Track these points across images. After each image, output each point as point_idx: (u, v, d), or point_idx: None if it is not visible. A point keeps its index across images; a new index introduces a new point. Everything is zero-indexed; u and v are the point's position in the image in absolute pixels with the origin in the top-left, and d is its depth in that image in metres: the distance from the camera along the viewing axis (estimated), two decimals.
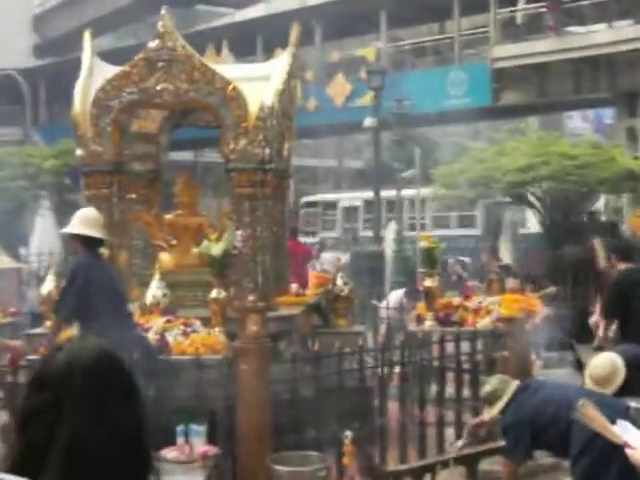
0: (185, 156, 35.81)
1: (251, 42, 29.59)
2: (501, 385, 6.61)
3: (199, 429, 6.49)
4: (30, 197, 24.22)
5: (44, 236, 23.75)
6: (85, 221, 7.51)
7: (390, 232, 21.34)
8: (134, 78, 8.81)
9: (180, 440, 6.46)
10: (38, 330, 9.63)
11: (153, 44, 8.80)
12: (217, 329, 8.11)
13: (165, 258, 9.41)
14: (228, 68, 9.76)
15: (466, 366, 8.50)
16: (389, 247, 20.55)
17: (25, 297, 15.54)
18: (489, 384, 6.70)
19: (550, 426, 6.20)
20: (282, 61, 9.52)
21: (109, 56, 9.04)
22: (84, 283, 7.23)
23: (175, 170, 11.38)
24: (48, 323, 9.41)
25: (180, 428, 6.50)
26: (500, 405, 6.55)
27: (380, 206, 22.71)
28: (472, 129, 44.80)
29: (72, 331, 7.56)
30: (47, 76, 35.18)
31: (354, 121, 25.08)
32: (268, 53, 9.50)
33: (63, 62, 32.40)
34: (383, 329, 12.27)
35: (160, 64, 8.74)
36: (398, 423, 7.68)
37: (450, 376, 8.53)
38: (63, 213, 22.32)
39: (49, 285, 9.58)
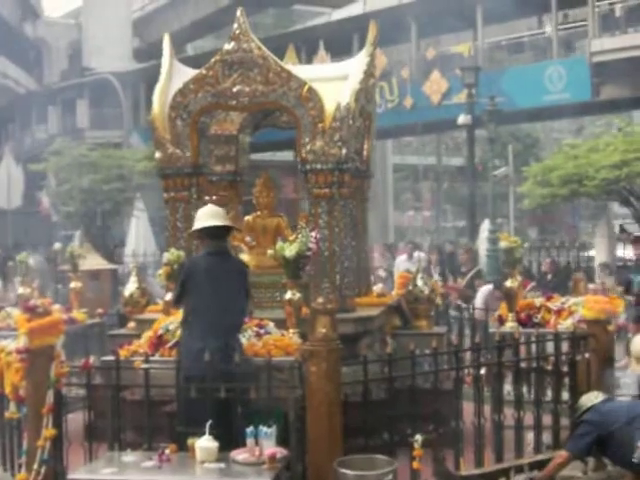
0: (285, 156, 35.96)
1: (348, 41, 29.55)
2: (592, 397, 7.13)
3: (269, 431, 6.46)
4: (124, 199, 24.61)
5: (139, 237, 24.18)
6: (203, 216, 7.50)
7: (484, 230, 21.08)
8: (210, 80, 8.86)
9: (250, 441, 6.45)
10: (122, 331, 9.80)
11: (229, 46, 8.84)
12: (292, 331, 8.11)
13: (244, 259, 9.44)
14: (305, 68, 9.78)
15: (548, 368, 8.35)
16: (482, 246, 20.30)
17: (119, 298, 15.82)
18: (584, 395, 7.26)
19: (614, 435, 6.73)
20: (360, 60, 9.43)
21: (209, 57, 9.09)
22: (185, 278, 7.30)
23: (275, 170, 11.43)
24: (131, 324, 9.58)
25: (250, 430, 6.49)
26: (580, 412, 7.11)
27: (474, 205, 22.54)
28: (576, 125, 44.13)
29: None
30: (146, 78, 35.69)
31: (451, 118, 24.87)
32: None
33: (161, 65, 32.72)
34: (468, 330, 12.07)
35: (236, 66, 8.78)
36: (474, 426, 7.54)
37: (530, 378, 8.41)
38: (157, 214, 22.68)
39: (131, 287, 9.74)
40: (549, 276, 17.13)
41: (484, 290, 14.49)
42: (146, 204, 24.97)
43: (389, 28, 24.12)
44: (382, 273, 18.77)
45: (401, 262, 19.45)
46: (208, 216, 7.47)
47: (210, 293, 7.19)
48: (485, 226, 21.28)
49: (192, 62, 10.11)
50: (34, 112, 43.02)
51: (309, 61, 27.88)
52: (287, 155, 35.29)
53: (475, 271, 17.37)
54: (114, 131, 36.67)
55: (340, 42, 28.48)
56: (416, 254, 19.55)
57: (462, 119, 22.69)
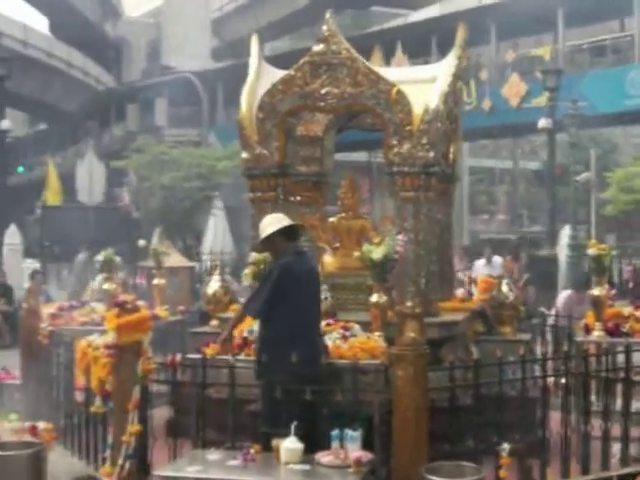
0: (359, 157, 35.94)
1: (425, 43, 29.44)
2: None
3: (354, 434, 6.44)
4: (203, 197, 24.75)
5: (217, 235, 24.34)
6: (274, 220, 7.41)
7: (564, 236, 20.80)
8: (299, 82, 8.88)
9: (335, 444, 6.43)
10: (204, 329, 9.85)
11: (317, 48, 8.85)
12: (377, 334, 8.08)
13: (328, 260, 9.45)
14: (393, 71, 9.74)
15: (636, 379, 8.17)
16: (563, 252, 20.02)
17: (197, 295, 15.94)
18: None
19: None
20: (448, 63, 9.36)
21: (286, 58, 9.10)
22: (277, 284, 7.10)
23: (350, 170, 11.41)
24: (214, 322, 9.62)
25: (335, 432, 6.47)
26: None
27: (554, 210, 22.27)
28: None
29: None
30: (224, 78, 35.97)
31: (529, 122, 24.63)
32: (443, 53, 9.44)
33: (240, 64, 32.86)
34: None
35: (324, 68, 8.78)
36: (560, 436, 7.42)
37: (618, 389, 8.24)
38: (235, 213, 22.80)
39: (214, 285, 9.79)
40: (630, 284, 16.81)
41: (564, 295, 14.27)
42: (224, 203, 25.13)
43: (467, 30, 23.92)
44: (464, 277, 18.57)
45: (480, 267, 19.22)
46: (278, 220, 7.41)
47: (309, 294, 7.20)
48: (566, 232, 20.99)
49: (269, 62, 10.12)
50: (113, 109, 43.64)
51: (386, 62, 27.83)
52: (361, 156, 35.35)
53: (526, 278, 17.25)
54: (191, 129, 36.97)
55: (418, 44, 28.34)
56: (495, 259, 19.32)
57: (543, 123, 22.46)
